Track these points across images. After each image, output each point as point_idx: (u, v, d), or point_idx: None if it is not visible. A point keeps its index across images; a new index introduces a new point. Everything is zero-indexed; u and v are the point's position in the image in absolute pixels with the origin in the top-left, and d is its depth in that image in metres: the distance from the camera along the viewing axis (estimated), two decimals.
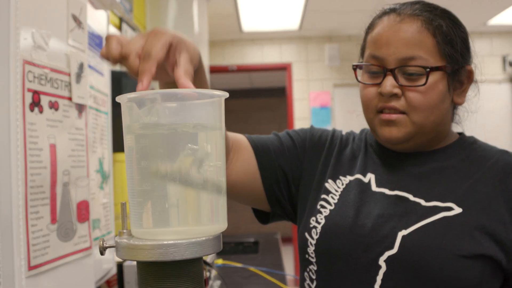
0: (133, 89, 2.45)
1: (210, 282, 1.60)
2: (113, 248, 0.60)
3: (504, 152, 1.14)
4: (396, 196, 1.10)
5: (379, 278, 1.04)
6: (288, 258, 7.09)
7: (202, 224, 0.59)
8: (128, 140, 0.61)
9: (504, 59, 6.43)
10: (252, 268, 1.82)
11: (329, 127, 6.78)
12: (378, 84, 1.09)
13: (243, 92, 9.66)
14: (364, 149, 1.22)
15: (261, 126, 9.66)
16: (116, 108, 2.00)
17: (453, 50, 1.10)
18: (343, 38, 6.35)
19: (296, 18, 5.58)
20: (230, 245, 3.22)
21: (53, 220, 1.20)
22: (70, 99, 1.29)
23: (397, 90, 1.07)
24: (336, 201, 1.16)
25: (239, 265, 1.87)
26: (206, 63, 4.62)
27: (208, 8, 4.80)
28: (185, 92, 0.63)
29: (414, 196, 1.09)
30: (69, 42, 1.31)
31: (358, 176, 1.17)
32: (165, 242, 0.54)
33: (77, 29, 1.36)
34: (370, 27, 1.16)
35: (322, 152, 1.25)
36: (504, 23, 6.06)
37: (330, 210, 1.15)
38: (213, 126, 0.61)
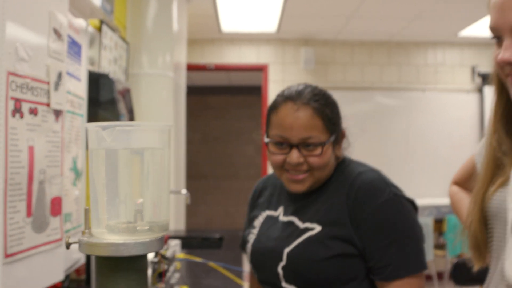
0: (109, 88, 2.58)
1: (169, 275, 1.76)
2: (76, 244, 0.76)
3: (359, 174, 1.54)
4: (288, 221, 1.59)
5: (282, 280, 1.52)
6: None
7: (147, 228, 0.75)
8: (94, 156, 0.77)
9: (473, 70, 6.66)
10: (210, 263, 1.97)
11: None
12: (285, 154, 1.52)
13: (222, 89, 9.78)
14: (279, 188, 1.70)
15: (239, 123, 9.79)
16: (91, 108, 2.14)
17: (334, 126, 1.55)
18: (319, 42, 6.53)
19: (274, 21, 5.73)
20: (196, 240, 3.36)
21: (29, 214, 1.34)
22: (48, 105, 1.43)
23: (301, 159, 1.51)
24: (257, 231, 1.65)
25: (198, 259, 2.03)
26: (184, 61, 4.75)
27: (188, 8, 4.93)
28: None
29: (298, 219, 1.57)
30: (49, 53, 1.45)
31: (272, 211, 1.66)
32: (117, 242, 0.70)
33: (57, 41, 1.50)
34: (273, 109, 1.56)
35: (251, 207, 1.80)
36: (474, 35, 6.29)
37: (253, 239, 1.64)
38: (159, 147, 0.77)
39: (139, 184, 0.76)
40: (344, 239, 1.47)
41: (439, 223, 6.03)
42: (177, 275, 1.84)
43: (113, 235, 0.73)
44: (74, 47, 1.76)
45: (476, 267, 1.30)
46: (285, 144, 1.51)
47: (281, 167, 1.54)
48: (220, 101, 9.84)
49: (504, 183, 1.21)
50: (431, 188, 6.20)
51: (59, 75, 1.50)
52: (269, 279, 1.56)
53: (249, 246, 1.64)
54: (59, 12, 1.53)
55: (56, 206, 1.50)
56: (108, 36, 3.12)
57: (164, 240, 0.76)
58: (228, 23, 5.84)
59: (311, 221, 1.53)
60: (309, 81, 6.97)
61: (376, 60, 6.65)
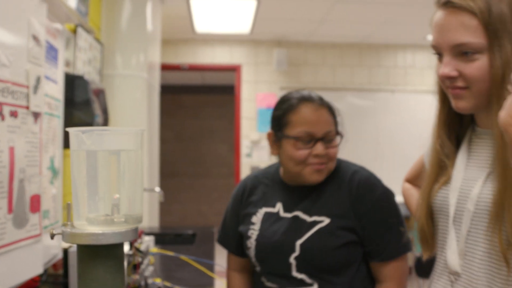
0: (84, 90, 2.66)
1: (143, 267, 1.85)
2: (59, 237, 0.85)
3: (354, 172, 1.80)
4: (293, 216, 1.77)
5: (293, 270, 1.71)
6: None
7: (123, 220, 0.85)
8: (75, 156, 0.86)
9: None
10: (182, 257, 2.07)
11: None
12: (309, 148, 1.72)
13: (195, 88, 9.85)
14: (272, 186, 1.87)
15: (212, 122, 9.87)
16: (67, 109, 2.21)
17: (337, 121, 1.81)
18: (291, 44, 6.66)
19: (247, 22, 5.82)
20: (169, 236, 3.45)
21: (10, 210, 1.43)
22: (27, 108, 1.52)
23: (325, 152, 1.72)
24: (258, 227, 1.81)
25: (171, 253, 2.12)
26: (158, 61, 4.82)
27: (162, 9, 5.00)
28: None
29: (304, 213, 1.76)
30: (29, 59, 1.53)
31: (269, 208, 1.83)
32: (96, 232, 0.80)
33: (36, 47, 1.58)
34: (290, 110, 1.76)
35: (240, 204, 1.93)
36: None
37: (256, 234, 1.80)
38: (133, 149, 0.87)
39: (116, 182, 0.86)
40: (349, 229, 1.71)
41: (407, 220, 6.19)
42: (150, 268, 1.93)
43: (92, 227, 0.82)
44: (51, 52, 1.84)
45: (424, 257, 1.44)
46: (309, 140, 1.72)
47: (304, 161, 1.73)
48: (194, 100, 9.90)
49: (446, 182, 1.36)
50: (400, 187, 6.33)
51: (38, 79, 1.58)
52: (277, 270, 1.74)
53: (252, 242, 1.80)
54: (38, 19, 1.61)
55: (35, 203, 1.58)
56: (83, 38, 3.18)
57: (138, 231, 0.86)
58: (202, 24, 5.92)
59: (319, 214, 1.74)
60: (282, 81, 7.07)
61: (347, 61, 6.79)
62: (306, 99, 1.76)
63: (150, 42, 4.23)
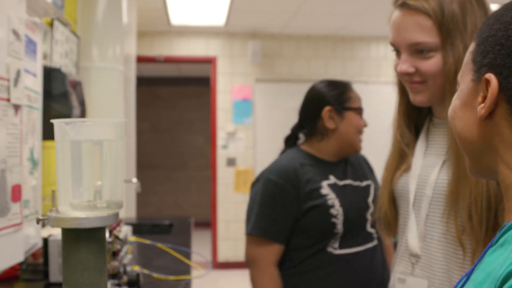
0: (61, 82, 2.69)
1: (122, 255, 1.91)
2: (39, 226, 0.92)
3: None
4: (348, 184, 2.03)
5: (368, 225, 1.99)
6: (206, 241, 7.43)
7: (105, 205, 0.91)
8: (60, 147, 0.92)
9: None
10: (159, 245, 2.13)
11: (250, 119, 7.02)
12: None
13: (171, 80, 9.86)
14: (315, 165, 2.02)
15: (188, 113, 9.89)
16: (45, 101, 2.25)
17: None
18: (266, 36, 6.72)
19: (222, 14, 5.87)
20: (147, 227, 3.51)
21: None
22: (8, 100, 1.56)
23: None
24: (334, 195, 1.96)
25: (147, 242, 2.18)
26: (134, 53, 4.84)
27: (138, 1, 5.03)
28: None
29: (353, 180, 2.05)
30: (9, 53, 1.58)
31: (328, 181, 1.99)
32: (80, 216, 0.86)
33: (16, 42, 1.63)
34: (348, 87, 2.12)
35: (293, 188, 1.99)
36: None
37: (338, 201, 1.95)
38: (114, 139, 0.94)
39: (98, 170, 0.92)
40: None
41: None
42: (129, 256, 2.00)
43: (76, 212, 0.89)
44: (30, 45, 1.88)
45: (388, 240, 1.54)
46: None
47: (361, 130, 2.12)
48: (169, 92, 9.92)
49: (407, 169, 1.45)
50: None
51: (18, 72, 1.63)
52: (358, 229, 1.98)
53: (337, 208, 1.94)
54: (17, 13, 1.65)
55: (16, 193, 1.63)
56: (60, 31, 3.21)
57: (118, 217, 0.92)
58: (177, 16, 5.95)
59: (363, 179, 2.09)
60: (257, 73, 7.11)
61: (322, 53, 6.88)
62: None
63: (126, 35, 4.26)
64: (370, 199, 2.03)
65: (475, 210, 1.24)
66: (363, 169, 2.14)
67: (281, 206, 1.94)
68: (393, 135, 1.53)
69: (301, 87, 7.49)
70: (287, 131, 2.14)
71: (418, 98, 1.37)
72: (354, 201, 1.99)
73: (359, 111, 2.08)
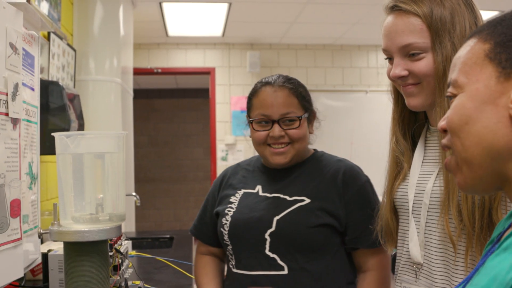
0: (59, 95, 2.67)
1: (123, 269, 1.88)
2: (39, 241, 0.89)
3: (339, 161, 1.89)
4: (274, 196, 1.82)
5: (267, 247, 1.73)
6: None
7: (107, 218, 0.89)
8: (61, 160, 0.90)
9: None
10: (159, 258, 2.10)
11: (248, 130, 7.02)
12: (268, 130, 1.79)
13: (169, 92, 9.84)
14: (252, 171, 1.93)
15: (186, 126, 9.86)
16: (42, 115, 2.23)
17: (308, 104, 1.87)
18: (264, 46, 6.71)
19: (219, 26, 5.87)
20: (147, 241, 3.48)
21: None
22: (7, 114, 1.54)
23: (282, 133, 1.77)
24: (236, 206, 1.83)
25: (148, 255, 2.15)
26: (131, 65, 4.83)
27: (135, 13, 5.02)
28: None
29: (283, 195, 1.80)
30: (7, 66, 1.55)
31: (249, 190, 1.87)
32: (83, 229, 0.84)
33: (14, 55, 1.61)
34: (254, 94, 1.85)
35: (219, 188, 1.96)
36: None
37: (233, 211, 1.82)
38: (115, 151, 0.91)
39: (100, 182, 0.90)
40: (331, 213, 1.75)
41: None
42: (130, 271, 1.97)
43: (78, 225, 0.87)
44: (27, 59, 1.86)
45: (389, 251, 1.53)
46: (267, 121, 1.79)
47: (264, 142, 1.80)
48: (167, 104, 9.89)
49: (404, 178, 1.45)
50: (375, 186, 6.41)
51: (16, 86, 1.61)
52: (251, 246, 1.76)
53: (228, 218, 1.81)
54: (15, 27, 1.63)
55: (16, 208, 1.60)
56: (56, 44, 3.20)
57: (121, 229, 0.90)
58: (175, 28, 5.95)
59: (299, 195, 1.78)
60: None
61: (320, 63, 6.87)
62: (267, 83, 1.83)
63: (123, 47, 4.25)
64: (278, 217, 1.74)
65: (465, 207, 1.23)
66: (309, 184, 1.81)
67: (206, 207, 1.98)
68: (389, 144, 1.52)
69: None
70: None
71: (413, 102, 1.38)
72: (251, 216, 1.78)
73: (256, 121, 1.82)
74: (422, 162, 1.42)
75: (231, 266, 1.83)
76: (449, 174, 1.27)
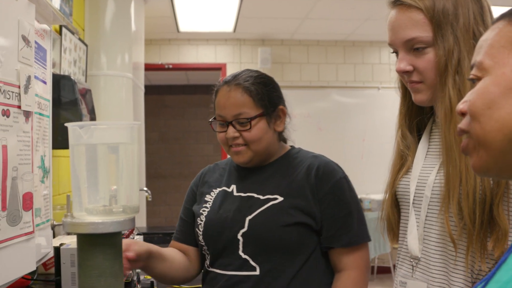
0: (71, 90, 2.66)
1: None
2: (51, 235, 0.89)
3: (314, 157, 1.79)
4: (247, 196, 1.75)
5: (240, 248, 1.67)
6: None
7: (121, 210, 0.88)
8: (74, 151, 0.89)
9: None
10: None
11: None
12: (225, 131, 1.73)
13: (180, 88, 9.83)
14: (228, 170, 1.88)
15: (196, 122, 9.84)
16: (54, 109, 2.23)
17: (265, 102, 1.73)
18: (275, 42, 6.69)
19: (230, 21, 5.85)
20: (158, 236, 3.48)
21: (3, 208, 1.44)
22: (19, 107, 1.53)
23: (236, 134, 1.71)
24: (210, 205, 1.79)
25: None
26: (142, 60, 4.82)
27: (146, 9, 5.02)
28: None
29: (257, 194, 1.74)
30: (19, 59, 1.55)
31: (225, 188, 1.82)
32: (96, 221, 0.83)
33: (26, 48, 1.60)
34: (215, 93, 1.79)
35: (196, 186, 1.92)
36: None
37: (207, 211, 1.78)
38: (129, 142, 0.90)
39: (114, 174, 0.89)
40: (305, 211, 1.68)
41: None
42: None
43: (92, 216, 0.86)
44: (40, 52, 1.86)
45: (391, 246, 1.51)
46: (222, 123, 1.74)
47: (226, 143, 1.75)
48: (178, 100, 9.88)
49: (407, 171, 1.44)
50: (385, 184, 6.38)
51: (28, 79, 1.60)
52: (224, 247, 1.71)
53: (202, 218, 1.77)
54: (27, 20, 1.63)
55: (28, 201, 1.60)
56: (68, 39, 3.20)
57: (134, 221, 0.89)
58: (186, 23, 5.94)
59: (272, 193, 1.71)
60: None
61: (332, 59, 6.84)
62: (225, 82, 1.77)
63: (134, 42, 4.25)
64: (250, 217, 1.69)
65: (466, 203, 1.21)
66: (283, 182, 1.75)
67: (184, 205, 1.95)
68: (395, 138, 1.51)
69: (311, 94, 7.45)
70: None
71: (418, 98, 1.37)
72: (225, 216, 1.74)
73: (215, 123, 1.78)
74: (426, 154, 1.42)
75: (206, 265, 1.80)
76: (449, 170, 1.26)
